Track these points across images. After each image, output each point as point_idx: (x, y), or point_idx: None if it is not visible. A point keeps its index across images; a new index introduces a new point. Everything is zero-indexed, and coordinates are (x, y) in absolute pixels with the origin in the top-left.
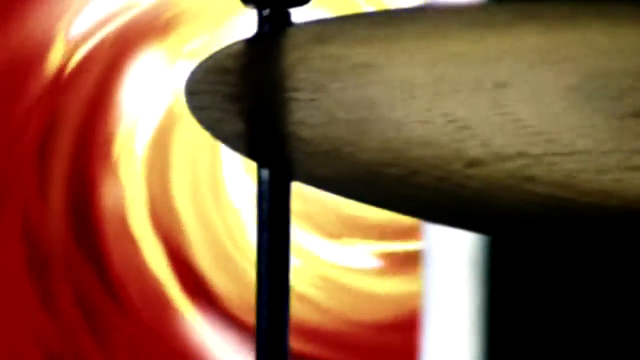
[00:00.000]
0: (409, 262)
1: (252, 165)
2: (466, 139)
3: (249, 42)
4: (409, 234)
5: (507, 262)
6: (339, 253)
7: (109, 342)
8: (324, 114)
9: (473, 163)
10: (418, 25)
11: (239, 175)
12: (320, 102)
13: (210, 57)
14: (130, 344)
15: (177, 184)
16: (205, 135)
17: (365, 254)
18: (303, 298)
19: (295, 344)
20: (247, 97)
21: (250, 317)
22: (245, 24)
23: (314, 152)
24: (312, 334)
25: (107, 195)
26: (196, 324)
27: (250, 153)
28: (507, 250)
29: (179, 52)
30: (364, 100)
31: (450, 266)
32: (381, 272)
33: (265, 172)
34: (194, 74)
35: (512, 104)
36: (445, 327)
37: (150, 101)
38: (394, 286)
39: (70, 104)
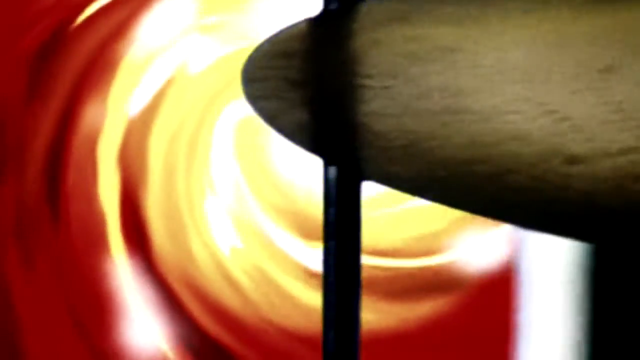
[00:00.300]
0: (369, 286)
1: (243, 151)
2: (566, 133)
3: (314, 21)
4: (393, 252)
5: (611, 274)
6: (303, 253)
7: (33, 259)
8: (399, 103)
9: (574, 160)
10: (509, 3)
11: (226, 157)
12: (396, 90)
13: (271, 39)
14: (53, 265)
15: (157, 136)
16: (200, 106)
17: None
18: (232, 281)
19: (203, 319)
20: (312, 84)
21: (178, 283)
22: (277, 4)
23: (388, 148)
24: (222, 316)
25: (88, 120)
26: (123, 269)
27: (315, 148)
28: (612, 260)
29: (195, 25)
30: (447, 87)
31: (548, 278)
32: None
33: (333, 171)
34: (252, 58)
35: (619, 92)
36: (543, 342)
37: (159, 59)
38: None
39: (81, 35)
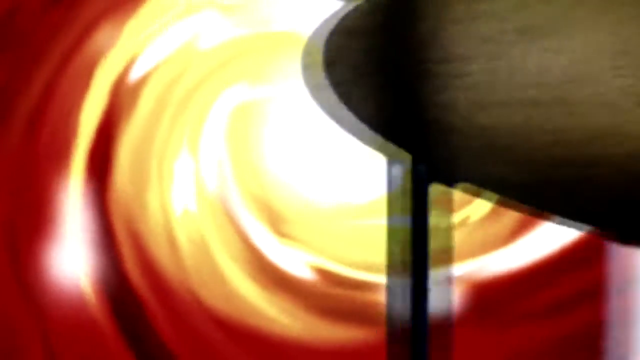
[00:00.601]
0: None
1: (235, 134)
2: None
3: None
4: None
5: None
6: (269, 246)
7: None
8: (482, 92)
9: None
10: None
11: (218, 135)
12: (474, 77)
13: (334, 16)
14: (7, 167)
15: (154, 84)
16: (201, 76)
17: (299, 262)
18: (172, 243)
19: (131, 268)
20: (379, 70)
21: (120, 226)
22: None
23: (463, 145)
24: (150, 272)
25: (100, 42)
26: (74, 193)
27: (378, 143)
28: None
29: (214, 1)
30: (535, 74)
31: None
32: (268, 287)
33: (398, 169)
34: (312, 39)
35: None
36: None
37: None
38: (261, 298)
39: None
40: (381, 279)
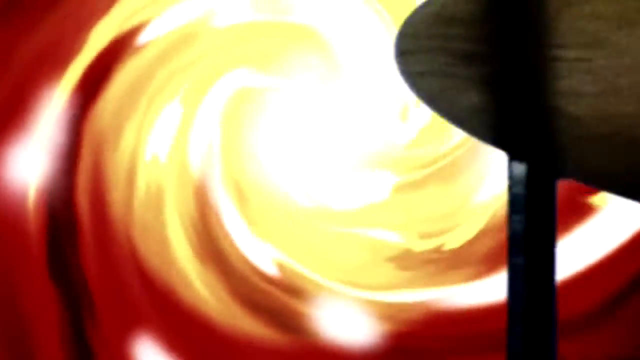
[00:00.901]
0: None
1: (231, 119)
2: None
3: None
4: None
5: None
6: (243, 238)
7: None
8: (600, 80)
9: None
10: None
11: (214, 114)
12: (596, 63)
13: (433, 1)
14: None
15: (161, 42)
16: (208, 50)
17: (269, 259)
18: (130, 184)
19: (82, 193)
20: (486, 57)
21: (89, 148)
22: None
23: (587, 136)
24: (99, 204)
25: None
26: (57, 103)
27: (494, 138)
28: None
29: None
30: None
31: None
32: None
33: (520, 168)
34: (407, 25)
35: None
36: None
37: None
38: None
39: None
40: (335, 287)
